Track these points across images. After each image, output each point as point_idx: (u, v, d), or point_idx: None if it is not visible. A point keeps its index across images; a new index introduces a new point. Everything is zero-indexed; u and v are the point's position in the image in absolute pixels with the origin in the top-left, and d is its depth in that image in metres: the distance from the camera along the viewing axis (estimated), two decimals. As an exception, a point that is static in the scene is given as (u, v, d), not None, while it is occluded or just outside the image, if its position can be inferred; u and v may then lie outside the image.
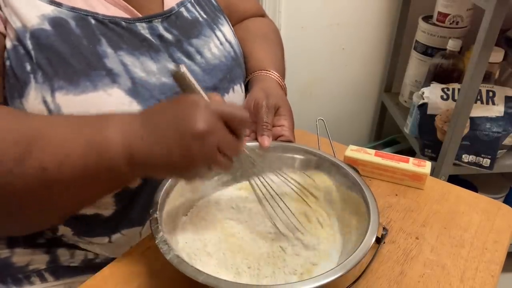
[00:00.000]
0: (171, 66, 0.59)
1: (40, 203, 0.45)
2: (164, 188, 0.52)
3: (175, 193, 0.53)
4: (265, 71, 0.69)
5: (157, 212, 0.48)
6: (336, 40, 1.47)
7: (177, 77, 0.47)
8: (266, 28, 0.82)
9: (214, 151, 0.44)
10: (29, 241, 0.61)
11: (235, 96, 0.66)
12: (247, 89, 0.70)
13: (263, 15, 0.88)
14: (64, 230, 0.59)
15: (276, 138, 0.61)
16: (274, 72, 0.70)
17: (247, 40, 0.76)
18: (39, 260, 0.62)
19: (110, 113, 0.46)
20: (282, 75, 0.73)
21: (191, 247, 0.51)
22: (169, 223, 0.50)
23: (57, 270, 0.63)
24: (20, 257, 0.61)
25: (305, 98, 1.57)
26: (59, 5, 0.52)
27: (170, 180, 0.53)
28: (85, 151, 0.43)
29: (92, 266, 0.63)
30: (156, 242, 0.45)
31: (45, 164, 0.42)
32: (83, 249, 0.63)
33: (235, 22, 0.80)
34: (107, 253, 0.63)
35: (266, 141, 0.59)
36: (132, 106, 0.53)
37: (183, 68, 0.46)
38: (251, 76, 0.70)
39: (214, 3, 0.70)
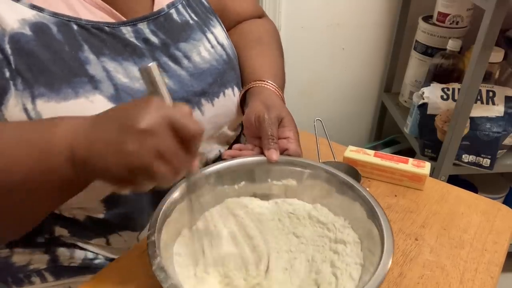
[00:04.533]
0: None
1: None
2: (163, 206, 0.49)
3: (176, 212, 0.50)
4: (261, 82, 0.67)
5: (155, 235, 0.45)
6: (336, 40, 1.47)
7: (143, 73, 0.43)
8: (262, 31, 0.79)
9: (150, 155, 0.39)
10: (27, 241, 0.61)
11: (226, 100, 0.64)
12: (244, 101, 0.68)
13: (260, 15, 0.84)
14: (61, 231, 0.59)
15: (282, 151, 0.58)
16: (270, 82, 0.67)
17: (241, 48, 0.73)
18: (39, 259, 0.62)
19: (64, 116, 0.44)
20: (280, 81, 0.70)
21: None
22: (167, 246, 0.48)
23: (57, 270, 0.62)
24: (20, 256, 0.61)
25: (305, 98, 1.57)
26: (41, 10, 0.51)
27: (171, 195, 0.50)
28: (29, 154, 0.41)
29: (92, 266, 0.63)
30: (153, 268, 0.42)
31: None
32: (82, 249, 0.63)
33: (230, 25, 0.77)
34: (106, 253, 0.64)
35: (274, 155, 0.56)
36: None
37: (152, 65, 0.43)
38: (246, 87, 0.67)
39: (206, 4, 0.68)
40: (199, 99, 0.61)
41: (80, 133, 0.41)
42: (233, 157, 0.59)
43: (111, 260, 0.63)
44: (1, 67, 0.48)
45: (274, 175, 0.58)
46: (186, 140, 0.41)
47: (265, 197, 0.60)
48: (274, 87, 0.67)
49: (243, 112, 0.67)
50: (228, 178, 0.57)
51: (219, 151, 0.68)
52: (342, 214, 0.55)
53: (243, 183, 0.58)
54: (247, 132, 0.63)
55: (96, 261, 0.63)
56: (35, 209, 0.46)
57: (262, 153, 0.58)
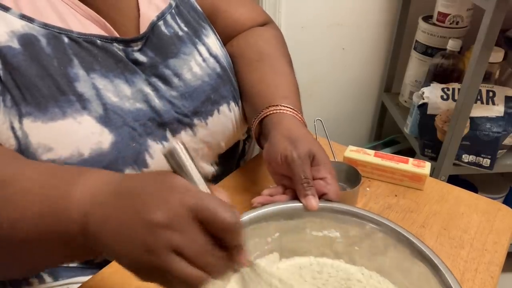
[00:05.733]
0: (148, 89, 0.55)
1: None
2: None
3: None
4: (275, 107, 0.58)
5: None
6: (336, 40, 1.47)
7: (168, 158, 0.36)
8: (260, 43, 0.70)
9: (167, 253, 0.32)
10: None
11: (220, 118, 0.61)
12: (257, 128, 0.61)
13: (264, 22, 0.77)
14: None
15: (320, 195, 0.50)
16: (284, 105, 0.58)
17: (242, 70, 0.67)
18: (37, 260, 0.62)
19: (88, 172, 0.39)
20: (294, 98, 0.63)
21: None
22: None
23: (56, 271, 0.62)
24: (18, 258, 0.61)
25: (305, 98, 1.56)
26: (30, 20, 0.49)
27: None
28: (42, 213, 0.37)
29: (91, 267, 0.62)
30: None
31: (1, 219, 0.38)
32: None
33: (226, 33, 0.71)
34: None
35: (314, 201, 0.48)
36: (104, 134, 0.51)
37: (175, 148, 0.35)
38: (260, 117, 0.59)
39: (198, 9, 0.65)
40: (191, 119, 0.59)
41: (97, 202, 0.36)
42: (264, 204, 0.50)
43: (110, 261, 0.62)
44: None
45: (313, 224, 0.50)
46: (218, 233, 0.34)
47: (300, 251, 0.52)
48: (292, 111, 0.58)
49: (260, 146, 0.62)
50: (259, 230, 0.49)
51: (213, 169, 0.66)
52: (400, 276, 0.48)
53: (277, 234, 0.50)
54: (271, 169, 0.55)
55: (96, 261, 0.63)
56: (46, 262, 0.43)
57: (295, 196, 0.51)
